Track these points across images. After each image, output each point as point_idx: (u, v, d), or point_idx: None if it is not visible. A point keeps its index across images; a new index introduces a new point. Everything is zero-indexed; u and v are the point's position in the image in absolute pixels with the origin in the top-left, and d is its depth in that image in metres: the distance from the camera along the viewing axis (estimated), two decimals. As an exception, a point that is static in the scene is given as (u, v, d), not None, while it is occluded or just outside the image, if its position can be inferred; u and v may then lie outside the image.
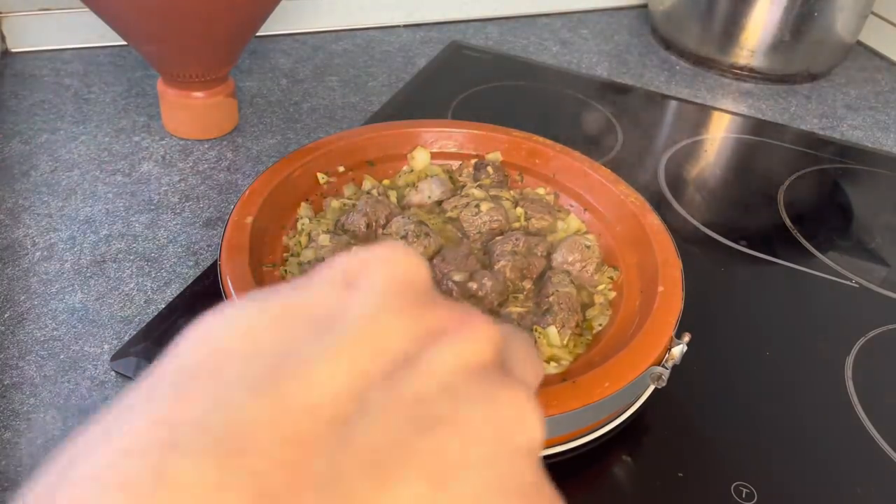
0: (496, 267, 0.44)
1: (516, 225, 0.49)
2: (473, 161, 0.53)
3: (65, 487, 0.14)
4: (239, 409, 0.14)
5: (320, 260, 0.43)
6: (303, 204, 0.48)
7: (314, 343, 0.15)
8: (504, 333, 0.18)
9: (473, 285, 0.42)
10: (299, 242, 0.46)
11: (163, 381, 0.15)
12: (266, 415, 0.14)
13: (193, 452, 0.13)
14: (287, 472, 0.13)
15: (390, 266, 0.17)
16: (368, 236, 0.47)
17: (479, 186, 0.51)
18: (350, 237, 0.46)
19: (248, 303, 0.17)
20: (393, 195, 0.50)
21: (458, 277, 0.43)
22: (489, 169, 0.52)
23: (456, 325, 0.17)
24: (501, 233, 0.47)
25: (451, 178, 0.53)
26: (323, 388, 0.14)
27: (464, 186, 0.51)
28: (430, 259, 0.45)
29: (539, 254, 0.46)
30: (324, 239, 0.44)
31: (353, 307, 0.16)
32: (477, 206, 0.48)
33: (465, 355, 0.16)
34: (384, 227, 0.47)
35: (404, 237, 0.45)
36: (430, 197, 0.50)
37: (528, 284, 0.45)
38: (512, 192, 0.52)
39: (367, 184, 0.51)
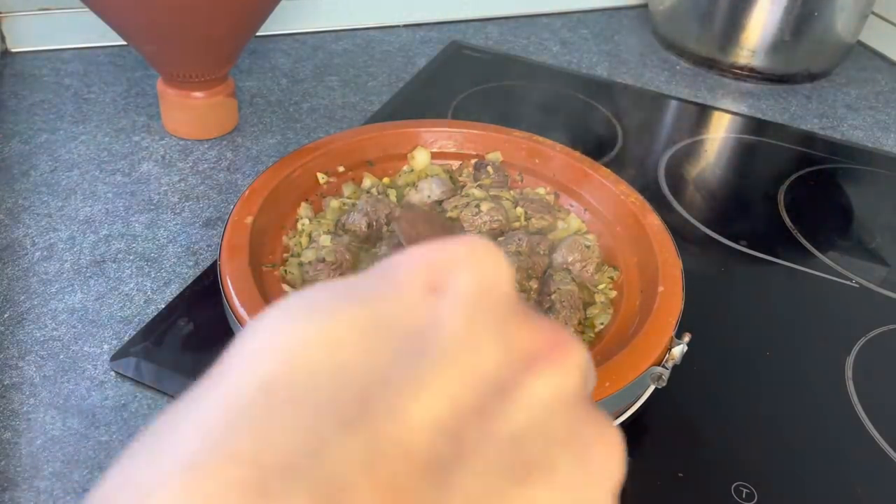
0: None
1: (516, 225, 0.49)
2: (473, 161, 0.53)
3: None
4: (331, 451, 0.12)
5: (321, 260, 0.43)
6: (303, 204, 0.48)
7: (407, 368, 0.14)
8: (585, 350, 0.17)
9: None
10: (299, 243, 0.46)
11: (238, 400, 0.13)
12: (360, 457, 0.13)
13: (289, 498, 0.12)
14: None
15: (477, 269, 0.16)
16: (369, 236, 0.47)
17: (480, 186, 0.51)
18: (351, 237, 0.46)
19: (321, 305, 0.15)
20: (393, 194, 0.50)
21: None
22: (489, 169, 0.52)
23: (548, 349, 0.16)
24: (502, 233, 0.47)
25: (451, 178, 0.53)
26: (419, 426, 0.13)
27: (464, 186, 0.51)
28: None
29: (542, 252, 0.46)
30: (325, 240, 0.44)
31: (444, 323, 0.15)
32: (477, 205, 0.48)
33: (558, 387, 0.15)
34: (386, 226, 0.47)
35: None
36: (429, 196, 0.50)
37: (534, 284, 0.45)
38: (512, 192, 0.52)
39: (367, 182, 0.51)
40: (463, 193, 0.50)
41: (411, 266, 0.16)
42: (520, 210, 0.49)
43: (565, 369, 0.15)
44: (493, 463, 0.14)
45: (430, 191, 0.50)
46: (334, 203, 0.49)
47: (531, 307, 0.17)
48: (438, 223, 0.44)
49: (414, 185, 0.51)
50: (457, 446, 0.14)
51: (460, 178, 0.53)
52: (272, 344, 0.14)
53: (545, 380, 0.15)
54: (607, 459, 0.16)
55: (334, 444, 0.13)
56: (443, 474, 0.13)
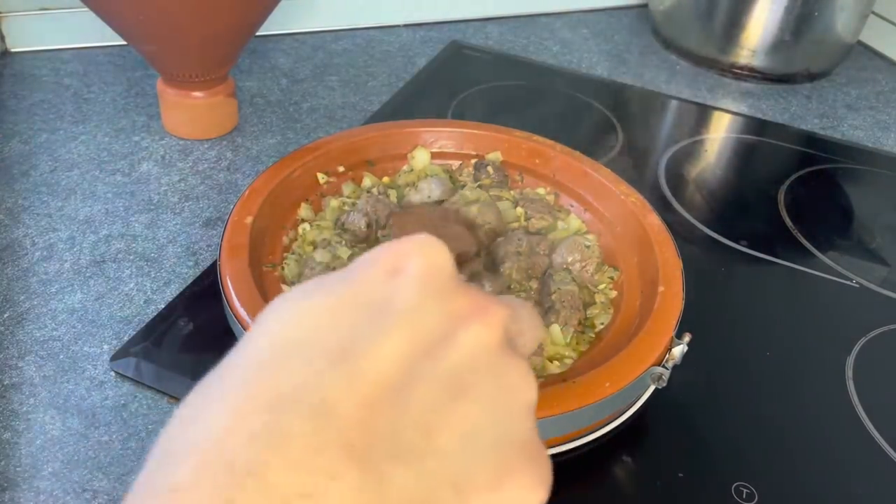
0: (502, 269, 0.44)
1: (515, 225, 0.49)
2: (473, 161, 0.53)
3: (198, 437, 0.18)
4: (323, 382, 0.18)
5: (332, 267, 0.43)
6: (303, 204, 0.48)
7: (374, 326, 0.20)
8: (511, 309, 0.23)
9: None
10: (301, 246, 0.46)
11: (258, 355, 0.19)
12: (345, 384, 0.18)
13: (294, 413, 0.17)
14: (363, 428, 0.18)
15: (423, 256, 0.21)
16: (368, 236, 0.46)
17: (480, 186, 0.51)
18: (350, 236, 0.46)
19: (313, 290, 0.21)
20: (393, 194, 0.50)
21: None
22: (489, 169, 0.52)
23: (476, 311, 0.21)
24: (496, 233, 0.47)
25: (451, 178, 0.53)
26: (384, 362, 0.19)
27: (464, 186, 0.51)
28: None
29: (541, 252, 0.46)
30: (321, 255, 0.44)
31: (399, 294, 0.20)
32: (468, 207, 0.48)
33: (483, 337, 0.21)
34: (384, 227, 0.47)
35: None
36: (430, 196, 0.50)
37: (534, 284, 0.44)
38: (512, 191, 0.52)
39: (367, 182, 0.51)
40: (458, 196, 0.50)
41: (375, 258, 0.22)
42: (520, 210, 0.49)
43: (486, 324, 0.21)
44: (437, 386, 0.20)
45: (429, 191, 0.50)
46: (334, 203, 0.49)
47: (468, 284, 0.23)
48: (430, 223, 0.44)
49: (414, 185, 0.51)
50: (411, 376, 0.19)
51: (460, 178, 0.53)
52: (278, 317, 0.20)
53: (472, 331, 0.21)
54: (519, 381, 0.21)
55: (326, 376, 0.18)
56: (402, 393, 0.19)
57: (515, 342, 0.23)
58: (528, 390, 0.22)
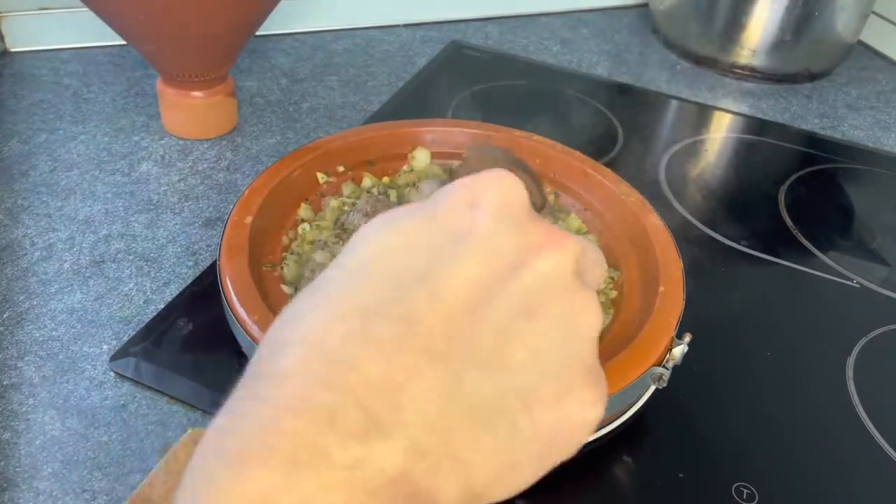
0: None
1: None
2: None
3: (303, 332, 0.20)
4: (408, 296, 0.20)
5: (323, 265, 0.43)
6: (303, 204, 0.48)
7: (454, 249, 0.22)
8: (581, 245, 0.24)
9: None
10: (301, 246, 0.46)
11: (354, 269, 0.22)
12: (428, 297, 0.21)
13: (383, 318, 0.20)
14: (444, 337, 0.20)
15: (500, 190, 0.23)
16: None
17: None
18: (350, 237, 0.46)
19: (401, 217, 0.23)
20: (393, 194, 0.50)
21: None
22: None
23: (548, 240, 0.23)
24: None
25: (451, 177, 0.53)
26: (464, 280, 0.21)
27: None
28: None
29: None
30: (321, 256, 0.44)
31: (477, 223, 0.23)
32: None
33: (556, 264, 0.23)
34: None
35: None
36: (429, 197, 0.49)
37: None
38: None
39: (367, 182, 0.51)
40: None
41: (455, 191, 0.24)
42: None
43: (560, 254, 0.23)
44: (510, 306, 0.22)
45: (430, 191, 0.50)
46: (334, 203, 0.49)
47: (542, 218, 0.24)
48: (503, 165, 0.44)
49: (414, 185, 0.51)
50: (487, 295, 0.21)
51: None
52: (367, 238, 0.23)
53: (545, 259, 0.23)
54: (587, 308, 0.23)
55: (410, 292, 0.21)
56: (478, 310, 0.21)
57: (585, 273, 0.25)
58: (594, 317, 0.23)
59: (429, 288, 0.21)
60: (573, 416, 0.22)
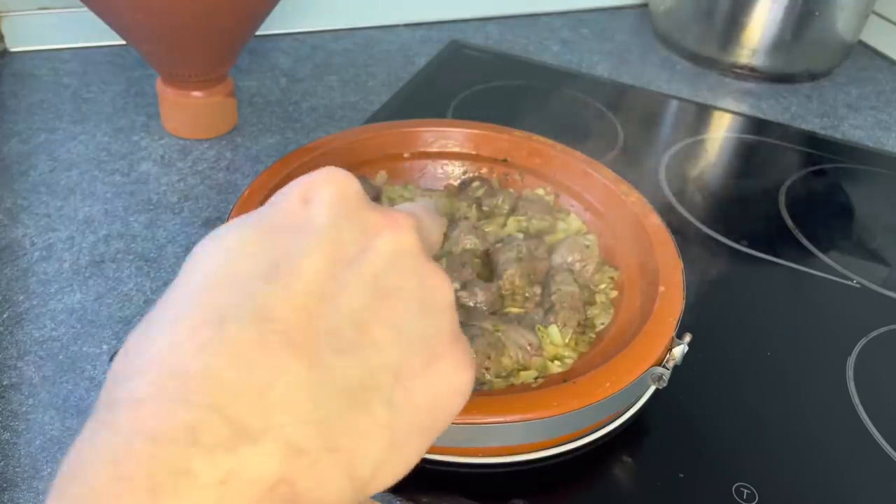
0: (505, 276, 0.44)
1: (511, 230, 0.49)
2: (458, 182, 0.53)
3: (152, 355, 0.19)
4: (260, 295, 0.20)
5: None
6: None
7: (297, 244, 0.21)
8: (416, 217, 0.25)
9: (464, 294, 0.42)
10: None
11: (199, 283, 0.21)
12: (278, 294, 0.20)
13: (238, 323, 0.19)
14: (300, 329, 0.20)
15: (332, 183, 0.23)
16: None
17: (476, 200, 0.50)
18: None
19: (237, 225, 0.22)
20: (387, 203, 0.50)
21: None
22: (474, 184, 0.51)
23: (386, 222, 0.23)
24: (475, 254, 0.46)
25: (450, 198, 0.52)
26: (311, 272, 0.21)
27: (467, 218, 0.49)
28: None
29: (540, 256, 0.46)
30: None
31: (315, 217, 0.22)
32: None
33: (399, 242, 0.23)
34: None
35: None
36: None
37: (537, 290, 0.44)
38: (511, 190, 0.51)
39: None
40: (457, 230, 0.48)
41: (288, 190, 0.24)
42: (513, 220, 0.49)
43: (399, 232, 0.23)
44: (364, 289, 0.22)
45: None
46: None
47: (376, 203, 0.25)
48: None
49: (411, 200, 0.51)
50: (337, 283, 0.21)
51: (458, 198, 0.51)
52: (207, 250, 0.22)
53: (386, 240, 0.23)
54: (438, 280, 0.24)
55: (262, 290, 0.20)
56: (333, 298, 0.21)
57: (428, 237, 0.26)
58: (446, 288, 0.24)
59: (278, 284, 0.20)
60: (446, 380, 0.23)
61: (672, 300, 0.40)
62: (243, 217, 0.23)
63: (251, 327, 0.19)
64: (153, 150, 0.60)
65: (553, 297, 0.42)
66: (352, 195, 0.24)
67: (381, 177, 0.52)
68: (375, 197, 0.47)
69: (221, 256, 0.21)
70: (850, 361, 0.46)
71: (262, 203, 0.44)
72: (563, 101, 0.72)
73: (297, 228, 0.22)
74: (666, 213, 0.52)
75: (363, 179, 0.49)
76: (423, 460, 0.23)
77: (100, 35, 0.72)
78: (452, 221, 0.48)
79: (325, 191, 0.23)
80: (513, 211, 0.50)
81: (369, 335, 0.21)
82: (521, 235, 0.48)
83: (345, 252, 0.22)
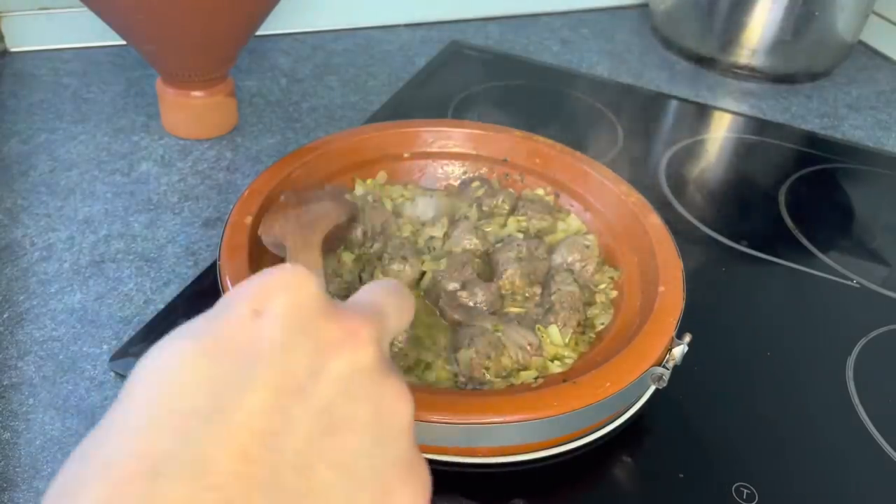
0: (505, 276, 0.44)
1: (512, 230, 0.49)
2: (458, 182, 0.53)
3: None
4: (198, 438, 0.18)
5: (337, 274, 0.43)
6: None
7: (241, 374, 0.20)
8: (379, 317, 0.23)
9: (464, 294, 0.42)
10: None
11: (135, 419, 0.19)
12: (218, 439, 0.18)
13: (171, 478, 0.17)
14: (240, 481, 0.18)
15: (287, 291, 0.21)
16: (364, 243, 0.46)
17: (477, 200, 0.50)
18: (348, 244, 0.46)
19: (184, 335, 0.21)
20: (388, 203, 0.50)
21: (450, 287, 0.43)
22: (474, 184, 0.51)
23: (345, 336, 0.21)
24: (476, 254, 0.46)
25: (450, 198, 0.52)
26: (255, 410, 0.19)
27: (467, 217, 0.49)
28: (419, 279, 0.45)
29: (540, 257, 0.46)
30: (346, 256, 0.44)
31: (264, 336, 0.20)
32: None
33: (355, 362, 0.21)
34: (380, 234, 0.47)
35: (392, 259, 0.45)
36: (419, 217, 0.49)
37: (537, 290, 0.44)
38: (511, 190, 0.51)
39: (360, 190, 0.50)
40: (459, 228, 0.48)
41: (238, 300, 0.21)
42: (513, 220, 0.49)
43: (356, 348, 0.21)
44: (311, 424, 0.20)
45: (425, 207, 0.49)
46: None
47: (336, 305, 0.22)
48: (294, 216, 0.43)
49: (411, 199, 0.51)
50: (283, 420, 0.19)
51: (459, 199, 0.51)
52: (148, 377, 0.20)
53: (342, 359, 0.21)
54: (395, 402, 0.22)
55: (199, 434, 0.18)
56: (277, 438, 0.19)
57: (389, 327, 0.24)
58: (404, 408, 0.22)
59: (217, 427, 0.19)
60: None
61: (672, 300, 0.40)
62: (190, 326, 0.21)
63: (184, 484, 0.18)
64: (153, 150, 0.60)
65: (553, 297, 0.42)
66: (308, 303, 0.21)
67: (381, 177, 0.52)
68: (352, 217, 0.46)
69: (162, 386, 0.19)
70: (850, 361, 0.46)
71: (262, 204, 0.44)
72: (563, 101, 0.72)
73: (244, 350, 0.20)
74: (666, 213, 0.52)
75: (341, 191, 0.48)
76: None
77: (100, 35, 0.72)
78: (453, 221, 0.48)
79: (277, 300, 0.21)
80: (513, 211, 0.50)
81: (314, 478, 0.19)
82: (521, 235, 0.48)
83: (294, 379, 0.20)
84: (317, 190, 0.47)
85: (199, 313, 0.22)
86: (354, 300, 0.25)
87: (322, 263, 0.39)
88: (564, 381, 0.36)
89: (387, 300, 0.25)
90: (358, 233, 0.46)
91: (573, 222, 0.50)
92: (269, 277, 0.22)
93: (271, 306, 0.21)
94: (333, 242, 0.44)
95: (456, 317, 0.42)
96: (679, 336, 0.38)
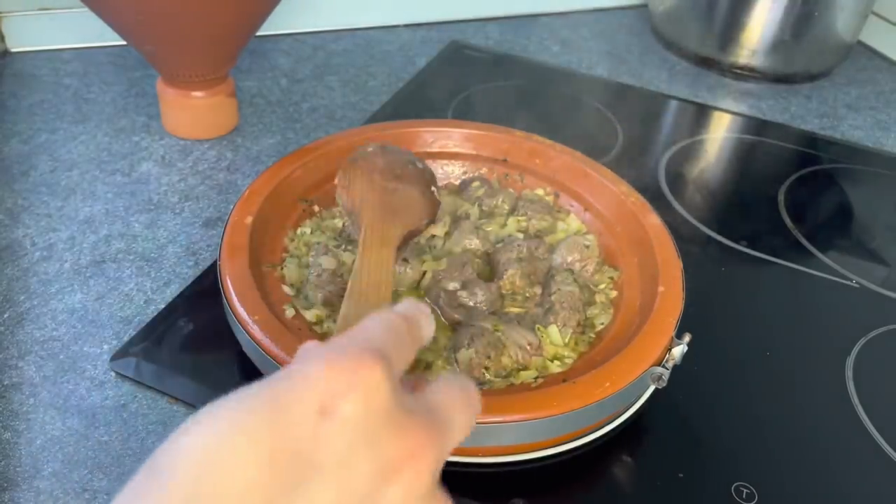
0: (505, 276, 0.44)
1: (511, 230, 0.49)
2: (459, 182, 0.53)
3: None
4: None
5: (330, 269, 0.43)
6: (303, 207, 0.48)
7: (299, 482, 0.19)
8: (441, 435, 0.22)
9: (464, 294, 0.42)
10: (298, 248, 0.46)
11: (177, 499, 0.18)
12: None
13: None
14: None
15: (358, 394, 0.20)
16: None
17: (477, 200, 0.50)
18: (353, 246, 0.46)
19: (240, 411, 0.19)
20: None
21: (450, 287, 0.43)
22: (474, 184, 0.52)
23: (406, 459, 0.21)
24: (476, 252, 0.47)
25: (455, 196, 0.52)
26: None
27: (468, 216, 0.49)
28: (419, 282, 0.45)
29: (540, 257, 0.46)
30: (327, 262, 0.44)
31: (328, 445, 0.20)
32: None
33: (411, 489, 0.21)
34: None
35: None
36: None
37: (537, 290, 0.44)
38: (511, 190, 0.52)
39: None
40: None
41: (310, 390, 0.20)
42: (512, 220, 0.49)
43: (415, 475, 0.21)
44: None
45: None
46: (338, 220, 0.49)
47: (405, 408, 0.21)
48: (379, 187, 0.42)
49: None
50: None
51: (461, 197, 0.51)
52: (190, 455, 0.18)
53: (399, 486, 0.20)
54: None
55: None
56: None
57: (442, 464, 0.23)
58: None
59: None
60: None
61: (671, 300, 0.40)
62: (251, 405, 0.20)
63: None
64: (154, 150, 0.60)
65: (553, 297, 0.43)
66: (378, 408, 0.20)
67: None
68: (430, 178, 0.43)
69: (211, 477, 0.18)
70: (850, 361, 0.46)
71: (262, 202, 0.44)
72: (562, 101, 0.72)
73: (305, 459, 0.19)
74: (665, 213, 0.52)
75: (412, 162, 0.45)
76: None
77: (100, 35, 0.72)
78: (453, 221, 0.48)
79: (348, 403, 0.20)
80: (513, 211, 0.50)
81: None
82: (521, 235, 0.48)
83: (352, 495, 0.20)
84: (406, 153, 0.45)
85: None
86: (426, 398, 0.24)
87: (393, 264, 0.37)
88: (564, 381, 0.36)
89: (453, 411, 0.24)
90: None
91: (573, 222, 0.50)
92: (346, 370, 0.21)
93: (341, 409, 0.20)
94: (407, 242, 0.42)
95: (456, 317, 0.42)
96: (679, 336, 0.38)
